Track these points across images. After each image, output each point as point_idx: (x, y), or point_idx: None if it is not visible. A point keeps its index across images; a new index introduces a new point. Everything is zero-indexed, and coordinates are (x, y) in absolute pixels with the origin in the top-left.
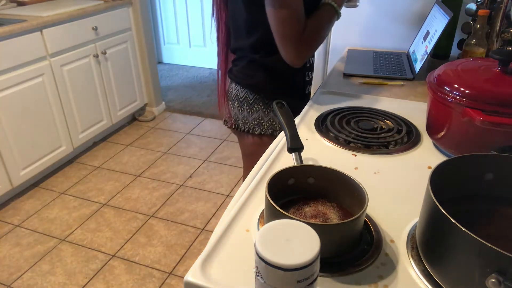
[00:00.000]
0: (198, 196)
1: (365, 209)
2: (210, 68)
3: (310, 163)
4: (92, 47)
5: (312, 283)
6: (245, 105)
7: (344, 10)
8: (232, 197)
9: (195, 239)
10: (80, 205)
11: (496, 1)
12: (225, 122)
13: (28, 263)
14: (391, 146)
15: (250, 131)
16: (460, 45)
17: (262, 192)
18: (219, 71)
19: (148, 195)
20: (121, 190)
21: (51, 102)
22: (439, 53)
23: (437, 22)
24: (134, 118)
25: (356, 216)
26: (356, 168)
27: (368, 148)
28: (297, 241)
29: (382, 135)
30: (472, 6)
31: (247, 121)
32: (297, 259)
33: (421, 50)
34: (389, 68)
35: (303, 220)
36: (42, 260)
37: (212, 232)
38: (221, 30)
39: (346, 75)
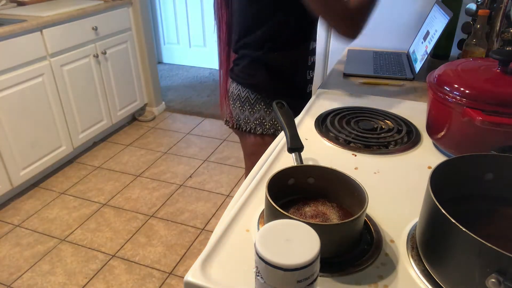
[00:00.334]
0: (198, 196)
1: (365, 209)
2: (210, 68)
3: (310, 163)
4: (92, 47)
5: (312, 283)
6: (247, 105)
7: None
8: (232, 197)
9: (195, 239)
10: (80, 205)
11: (496, 1)
12: (226, 122)
13: (28, 263)
14: (391, 146)
15: (252, 131)
16: (460, 45)
17: (262, 192)
18: (221, 71)
19: (148, 195)
20: (121, 190)
21: (51, 102)
22: (439, 53)
23: (437, 22)
24: (134, 118)
25: (356, 216)
26: (356, 168)
27: (368, 148)
28: (297, 241)
29: (382, 135)
30: (472, 6)
31: (248, 121)
32: (297, 259)
33: (421, 50)
34: (389, 68)
35: (303, 220)
36: (42, 260)
37: (212, 232)
38: (222, 29)
39: (346, 75)
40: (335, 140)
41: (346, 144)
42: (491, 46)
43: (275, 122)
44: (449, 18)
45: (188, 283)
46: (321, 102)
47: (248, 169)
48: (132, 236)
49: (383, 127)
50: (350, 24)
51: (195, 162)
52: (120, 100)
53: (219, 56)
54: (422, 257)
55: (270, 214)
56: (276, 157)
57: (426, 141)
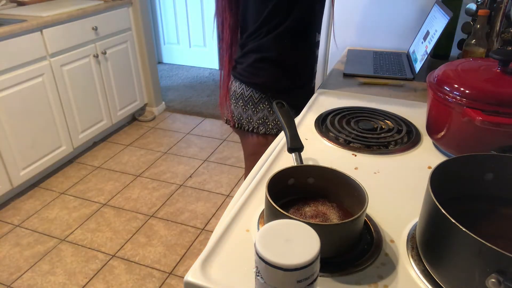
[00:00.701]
0: (198, 196)
1: (365, 209)
2: (210, 68)
3: (310, 163)
4: (92, 47)
5: (312, 283)
6: (250, 104)
7: (344, 10)
8: (232, 197)
9: (195, 239)
10: (80, 205)
11: (496, 1)
12: (227, 122)
13: (28, 263)
14: (391, 146)
15: (255, 130)
16: (460, 45)
17: (262, 192)
18: (222, 72)
19: (148, 195)
20: (121, 190)
21: (51, 102)
22: (439, 53)
23: (437, 22)
24: (134, 118)
25: (356, 216)
26: (356, 168)
27: (368, 148)
28: (297, 241)
29: (382, 135)
30: (472, 6)
31: (251, 120)
32: (297, 259)
33: (421, 50)
34: (389, 68)
35: (303, 220)
36: (42, 260)
37: (212, 232)
38: (226, 31)
39: (346, 75)
40: (335, 140)
41: (346, 144)
42: (491, 46)
43: (278, 122)
44: (449, 18)
45: (188, 283)
46: (321, 102)
47: (249, 169)
48: (132, 236)
49: (383, 127)
50: None
51: (195, 162)
52: (120, 100)
53: (221, 57)
54: (422, 257)
55: (270, 214)
56: (276, 157)
57: (426, 141)
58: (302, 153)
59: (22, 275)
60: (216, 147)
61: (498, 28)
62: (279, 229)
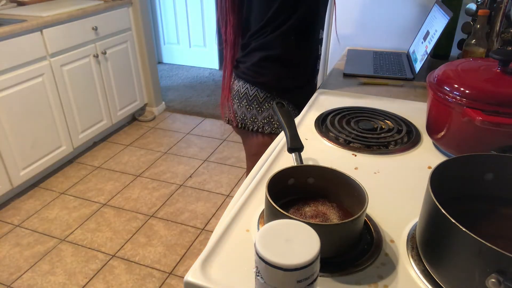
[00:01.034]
0: (198, 196)
1: (365, 209)
2: (210, 68)
3: (310, 163)
4: (92, 47)
5: (312, 283)
6: (255, 103)
7: (344, 10)
8: (232, 197)
9: (195, 239)
10: (80, 205)
11: (496, 1)
12: (230, 122)
13: (28, 263)
14: (391, 146)
15: (260, 130)
16: (460, 45)
17: (262, 192)
18: (225, 72)
19: (148, 195)
20: (121, 190)
21: (51, 102)
22: (439, 53)
23: (437, 22)
24: (134, 118)
25: (356, 216)
26: (356, 168)
27: (368, 148)
28: (297, 241)
29: (382, 135)
30: (472, 6)
31: (256, 120)
32: (297, 259)
33: (421, 50)
34: (389, 68)
35: (303, 220)
36: (42, 260)
37: (212, 232)
38: (229, 32)
39: (346, 75)
40: (335, 140)
41: (346, 144)
42: (491, 46)
43: None
44: (449, 18)
45: (188, 283)
46: (321, 102)
47: (250, 170)
48: (132, 236)
49: (383, 127)
50: None
51: (195, 162)
52: (120, 100)
53: (224, 58)
54: (422, 257)
55: (270, 214)
56: (276, 157)
57: (426, 141)
58: (302, 153)
59: (22, 275)
60: (216, 147)
61: (498, 28)
62: (279, 229)
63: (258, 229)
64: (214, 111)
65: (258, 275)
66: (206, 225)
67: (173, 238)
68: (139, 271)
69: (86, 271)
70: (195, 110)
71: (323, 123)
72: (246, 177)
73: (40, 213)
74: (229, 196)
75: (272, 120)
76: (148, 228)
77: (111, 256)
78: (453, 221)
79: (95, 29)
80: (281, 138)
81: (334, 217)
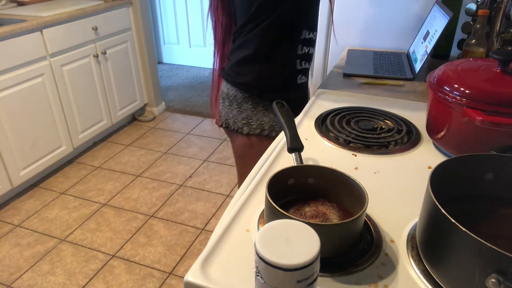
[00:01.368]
0: (198, 196)
1: (365, 209)
2: (210, 68)
3: (310, 163)
4: (92, 47)
5: (312, 283)
6: (235, 103)
7: (343, 10)
8: (232, 197)
9: (195, 239)
10: (80, 205)
11: (496, 1)
12: (216, 121)
13: (28, 263)
14: (391, 146)
15: (239, 131)
16: (460, 45)
17: (262, 192)
18: (215, 71)
19: (148, 195)
20: (121, 190)
21: (51, 102)
22: (439, 53)
23: (437, 22)
24: (134, 118)
25: (356, 216)
26: (356, 168)
27: (368, 148)
28: (297, 241)
29: (382, 135)
30: (472, 6)
31: (236, 120)
32: (297, 259)
33: (421, 50)
34: (389, 68)
35: (303, 220)
36: (42, 260)
37: (212, 232)
38: (218, 31)
39: (346, 75)
40: (335, 140)
41: (346, 144)
42: (491, 46)
43: (262, 122)
44: (449, 18)
45: (188, 283)
46: (321, 102)
47: (239, 172)
48: (132, 236)
49: (383, 127)
50: None
51: (195, 162)
52: (120, 100)
53: (214, 56)
54: (422, 257)
55: (270, 214)
56: (276, 157)
57: (426, 141)
58: (302, 153)
59: (22, 275)
60: (216, 147)
61: (498, 28)
62: (279, 229)
63: (258, 229)
64: None
65: (258, 275)
66: (206, 225)
67: (173, 238)
68: (139, 271)
69: (86, 271)
70: (195, 110)
71: (323, 123)
72: (238, 179)
73: (40, 213)
74: (229, 196)
75: (250, 121)
76: (148, 228)
77: (111, 256)
78: (453, 221)
79: (95, 29)
80: (281, 138)
81: (334, 217)
